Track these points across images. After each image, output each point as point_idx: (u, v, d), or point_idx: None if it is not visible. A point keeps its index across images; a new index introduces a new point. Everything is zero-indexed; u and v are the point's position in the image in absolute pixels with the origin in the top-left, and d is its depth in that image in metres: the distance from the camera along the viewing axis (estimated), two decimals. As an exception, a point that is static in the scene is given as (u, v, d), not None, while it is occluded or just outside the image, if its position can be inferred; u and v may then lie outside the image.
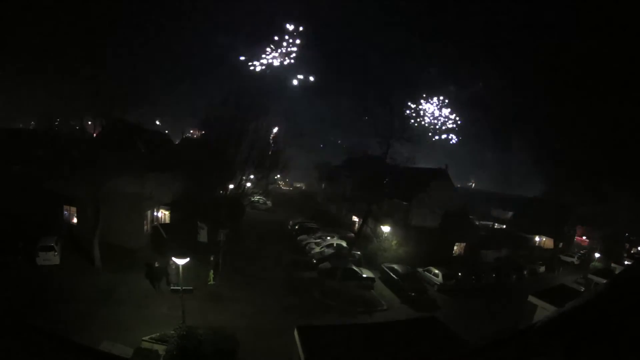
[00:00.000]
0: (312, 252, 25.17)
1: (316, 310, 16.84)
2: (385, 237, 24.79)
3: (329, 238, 27.15)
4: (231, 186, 31.08)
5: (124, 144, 21.15)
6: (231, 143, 27.32)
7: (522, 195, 56.68)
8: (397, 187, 27.77)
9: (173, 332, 10.45)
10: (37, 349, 1.81)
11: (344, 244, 25.43)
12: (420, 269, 24.15)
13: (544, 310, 14.73)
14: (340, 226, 34.37)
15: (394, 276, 21.56)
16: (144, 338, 10.95)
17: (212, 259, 18.61)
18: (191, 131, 55.70)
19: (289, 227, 32.73)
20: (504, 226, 47.44)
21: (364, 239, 24.63)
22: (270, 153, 30.86)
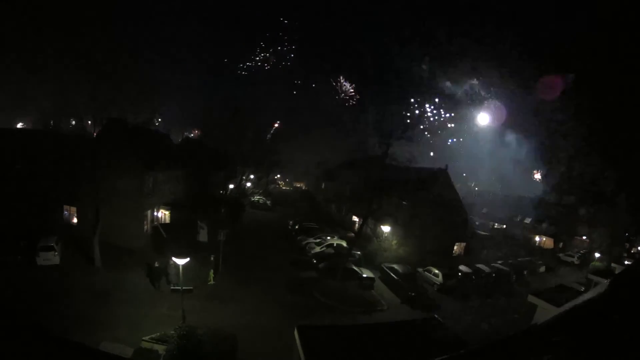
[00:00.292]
0: (312, 252, 25.16)
1: (316, 310, 16.84)
2: (385, 237, 24.80)
3: (329, 238, 27.14)
4: (231, 186, 31.13)
5: (123, 143, 21.16)
6: (231, 143, 27.37)
7: (522, 195, 56.65)
8: (397, 187, 27.79)
9: (173, 332, 10.44)
10: (37, 349, 1.81)
11: (344, 244, 25.42)
12: (420, 269, 24.15)
13: (544, 310, 14.71)
14: (340, 226, 34.39)
15: (394, 276, 21.55)
16: (144, 338, 10.95)
17: (212, 258, 18.62)
18: (192, 131, 55.78)
19: (289, 227, 32.72)
20: (504, 226, 47.45)
21: (364, 238, 24.64)
22: (270, 153, 30.92)
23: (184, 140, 40.43)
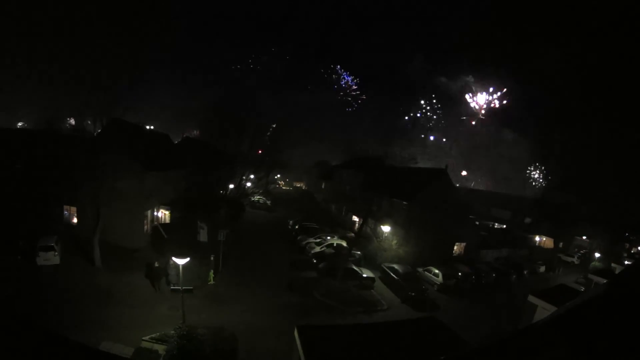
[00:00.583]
0: (312, 251, 25.16)
1: (316, 310, 16.83)
2: (385, 237, 24.77)
3: (329, 238, 27.14)
4: (231, 186, 31.11)
5: (123, 143, 21.14)
6: (231, 143, 27.32)
7: (522, 195, 56.71)
8: (397, 187, 27.78)
9: (173, 332, 10.44)
10: (37, 349, 1.81)
11: (344, 243, 25.42)
12: (420, 269, 24.16)
13: (544, 310, 14.73)
14: (340, 226, 34.37)
15: (394, 276, 21.56)
16: (144, 338, 10.95)
17: (212, 258, 18.61)
18: (193, 131, 55.75)
19: (289, 226, 32.71)
20: (504, 226, 47.44)
21: (364, 238, 24.63)
22: (270, 152, 30.90)
23: (183, 140, 40.39)
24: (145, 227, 23.50)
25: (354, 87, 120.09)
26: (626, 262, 37.00)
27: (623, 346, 1.37)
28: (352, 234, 28.08)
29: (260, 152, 30.03)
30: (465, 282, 23.64)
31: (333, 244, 25.83)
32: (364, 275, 20.90)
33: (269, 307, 16.42)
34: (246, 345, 12.07)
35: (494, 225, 47.96)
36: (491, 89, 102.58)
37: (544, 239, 42.89)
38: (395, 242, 24.23)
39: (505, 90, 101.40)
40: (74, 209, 22.47)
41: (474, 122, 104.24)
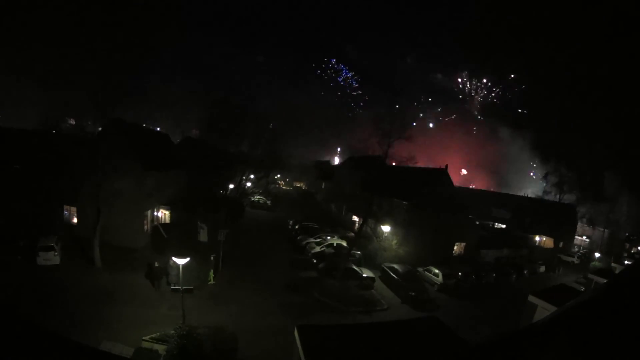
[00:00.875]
0: (312, 251, 25.16)
1: (316, 309, 16.83)
2: (385, 236, 24.77)
3: (329, 238, 27.14)
4: (231, 186, 31.12)
5: (123, 143, 21.15)
6: (231, 143, 27.32)
7: (522, 195, 56.67)
8: (397, 187, 27.76)
9: (173, 332, 10.46)
10: (37, 349, 1.81)
11: (344, 243, 25.43)
12: (420, 269, 24.15)
13: (544, 310, 14.72)
14: (340, 226, 34.36)
15: (394, 276, 21.56)
16: (144, 338, 10.96)
17: (212, 258, 18.61)
18: (193, 131, 55.77)
19: (289, 226, 32.71)
20: (504, 226, 47.43)
21: (364, 238, 24.62)
22: (269, 152, 30.89)
23: (183, 139, 40.40)
24: (145, 227, 23.51)
25: (355, 85, 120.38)
26: (626, 262, 36.98)
27: (623, 346, 1.37)
28: (352, 234, 28.07)
29: (260, 151, 30.03)
30: (465, 282, 23.64)
31: (333, 243, 25.83)
32: (364, 275, 20.90)
33: (269, 307, 16.42)
34: (246, 345, 12.08)
35: (494, 225, 47.94)
36: (489, 83, 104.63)
37: (544, 239, 42.86)
38: (395, 242, 24.23)
39: (510, 83, 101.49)
40: (74, 209, 22.47)
41: (476, 113, 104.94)
